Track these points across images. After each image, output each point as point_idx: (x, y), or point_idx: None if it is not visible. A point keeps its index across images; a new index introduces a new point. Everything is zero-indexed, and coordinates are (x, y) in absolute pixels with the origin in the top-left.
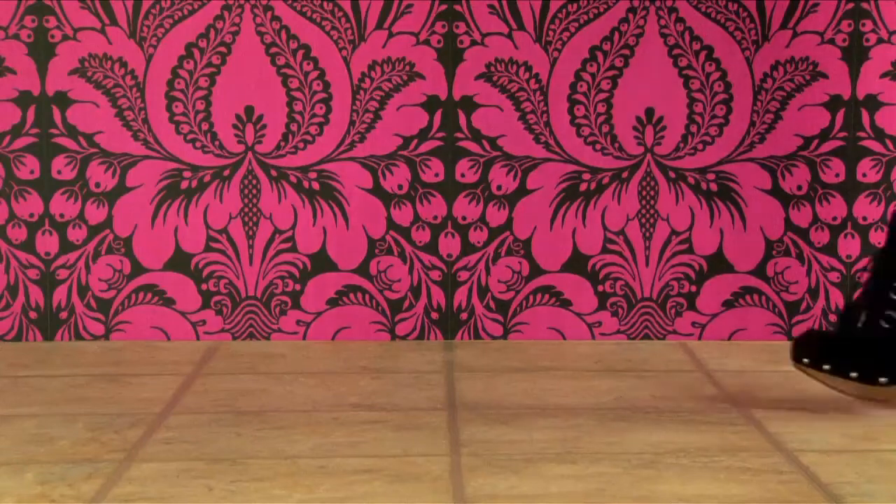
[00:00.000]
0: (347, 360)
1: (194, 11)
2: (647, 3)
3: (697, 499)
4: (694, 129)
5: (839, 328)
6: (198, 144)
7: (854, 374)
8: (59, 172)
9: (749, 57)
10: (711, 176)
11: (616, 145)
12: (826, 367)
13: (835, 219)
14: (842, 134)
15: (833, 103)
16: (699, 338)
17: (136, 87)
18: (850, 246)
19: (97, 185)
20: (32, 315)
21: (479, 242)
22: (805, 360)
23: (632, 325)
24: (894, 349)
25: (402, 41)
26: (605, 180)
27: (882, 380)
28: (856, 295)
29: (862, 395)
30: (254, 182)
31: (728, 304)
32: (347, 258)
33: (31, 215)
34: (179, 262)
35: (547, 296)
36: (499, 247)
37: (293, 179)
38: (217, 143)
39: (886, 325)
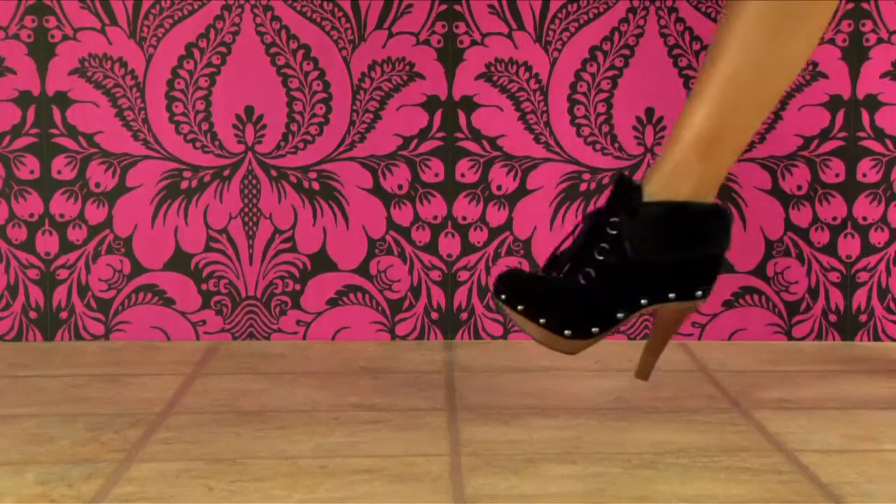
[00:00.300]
0: (347, 360)
1: (194, 11)
2: (647, 3)
3: (697, 499)
4: None
5: (541, 275)
6: (198, 144)
7: (543, 321)
8: (59, 172)
9: None
10: None
11: (616, 145)
12: (520, 307)
13: (835, 219)
14: (842, 134)
15: (833, 103)
16: (699, 338)
17: (136, 87)
18: (850, 246)
19: (97, 185)
20: (32, 315)
21: (479, 242)
22: (503, 297)
23: (631, 325)
24: (584, 305)
25: (402, 41)
26: (606, 180)
27: (567, 332)
28: (563, 246)
29: (546, 343)
30: (254, 182)
31: (728, 304)
32: (347, 258)
33: (31, 215)
34: (179, 262)
35: None
36: (499, 247)
37: (293, 179)
38: (217, 143)
39: (583, 282)
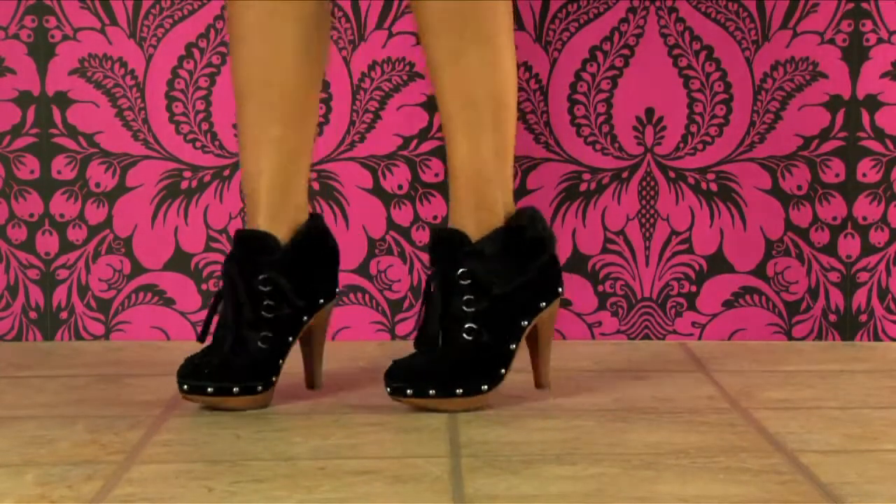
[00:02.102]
0: (347, 360)
1: (194, 11)
2: (647, 3)
3: (697, 499)
4: (694, 129)
5: (425, 354)
6: (198, 144)
7: (460, 391)
8: (59, 172)
9: (749, 57)
10: (711, 176)
11: (616, 145)
12: (431, 392)
13: (835, 219)
14: (842, 134)
15: (833, 103)
16: (699, 338)
17: (136, 87)
18: (850, 246)
19: (97, 185)
20: (32, 315)
21: None
22: (408, 392)
23: (632, 325)
24: (485, 357)
25: (402, 41)
26: (605, 180)
27: (484, 388)
28: (420, 324)
29: (471, 406)
30: None
31: (728, 304)
32: (347, 258)
33: (31, 215)
34: (179, 262)
35: None
36: None
37: None
38: (217, 143)
39: (470, 338)
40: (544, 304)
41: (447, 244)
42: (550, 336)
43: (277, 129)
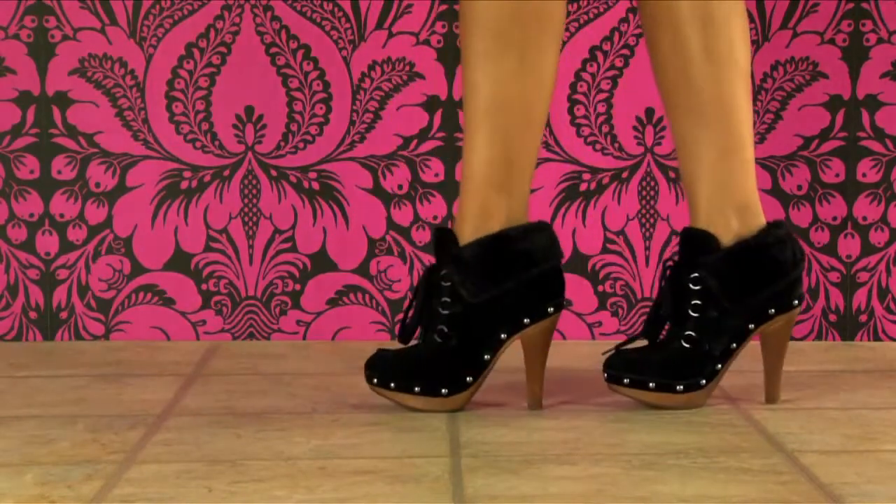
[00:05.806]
0: (347, 360)
1: (194, 11)
2: None
3: (697, 499)
4: None
5: (401, 348)
6: (198, 144)
7: (417, 389)
8: (59, 172)
9: None
10: None
11: (616, 145)
12: (392, 384)
13: (835, 219)
14: (842, 134)
15: (833, 103)
16: None
17: (136, 87)
18: (850, 246)
19: (97, 185)
20: (32, 315)
21: None
22: (374, 381)
23: (632, 325)
24: (448, 361)
25: (402, 41)
26: (605, 180)
27: (444, 391)
28: (410, 314)
29: (429, 407)
30: (254, 182)
31: None
32: (347, 258)
33: (31, 215)
34: (179, 262)
35: None
36: None
37: (293, 179)
38: (217, 143)
39: (440, 340)
40: (528, 320)
41: (439, 240)
42: (540, 355)
43: None
